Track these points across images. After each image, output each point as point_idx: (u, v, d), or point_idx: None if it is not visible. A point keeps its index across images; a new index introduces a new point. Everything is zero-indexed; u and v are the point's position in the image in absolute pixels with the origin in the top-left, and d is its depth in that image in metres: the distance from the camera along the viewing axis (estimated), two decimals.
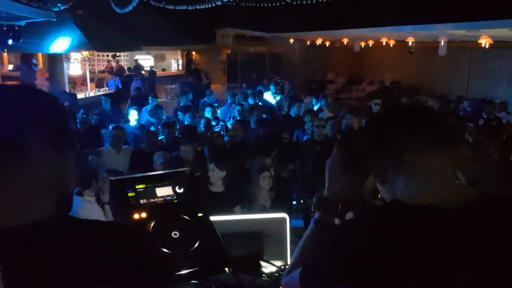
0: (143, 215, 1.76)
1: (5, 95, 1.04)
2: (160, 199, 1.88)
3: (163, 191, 1.90)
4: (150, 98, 10.18)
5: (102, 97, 9.92)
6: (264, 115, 7.97)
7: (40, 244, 0.92)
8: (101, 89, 14.11)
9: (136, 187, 1.87)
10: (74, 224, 1.04)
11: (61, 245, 0.94)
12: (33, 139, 0.99)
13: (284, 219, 2.30)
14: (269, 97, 11.31)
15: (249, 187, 4.99)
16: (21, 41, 10.48)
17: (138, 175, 1.95)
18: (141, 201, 1.84)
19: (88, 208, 4.21)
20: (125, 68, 18.11)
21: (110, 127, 7.10)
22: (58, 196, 1.04)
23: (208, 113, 8.58)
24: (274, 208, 4.70)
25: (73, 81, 14.27)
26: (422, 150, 1.17)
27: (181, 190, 1.90)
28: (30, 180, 0.99)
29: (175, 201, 1.90)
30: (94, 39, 12.89)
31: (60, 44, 12.17)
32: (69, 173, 1.09)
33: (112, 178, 1.92)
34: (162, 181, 1.93)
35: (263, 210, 4.60)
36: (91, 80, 14.74)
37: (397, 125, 1.23)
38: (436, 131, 1.20)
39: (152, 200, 1.86)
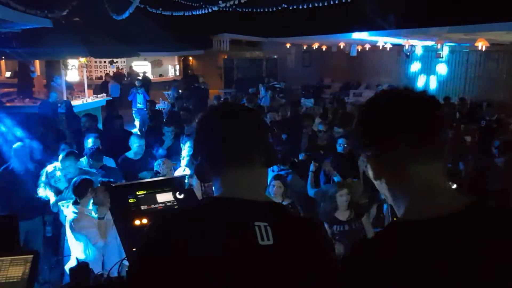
0: (144, 221, 1.77)
1: (238, 114, 1.36)
2: (160, 205, 1.88)
3: (164, 197, 1.91)
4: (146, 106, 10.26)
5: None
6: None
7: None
8: (99, 96, 14.10)
9: (137, 193, 1.87)
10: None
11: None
12: (255, 153, 1.31)
13: None
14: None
15: None
16: (18, 48, 10.47)
17: (139, 181, 1.95)
18: (142, 207, 1.85)
19: (81, 220, 4.17)
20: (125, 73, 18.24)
21: None
22: None
23: None
24: None
25: (71, 87, 14.23)
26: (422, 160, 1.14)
27: (182, 196, 1.90)
28: (254, 180, 1.33)
29: (176, 207, 1.90)
30: (91, 46, 12.89)
31: (57, 50, 12.16)
32: (266, 182, 1.42)
33: (113, 185, 1.92)
34: (162, 187, 1.94)
35: None
36: (89, 86, 14.72)
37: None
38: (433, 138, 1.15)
39: (152, 206, 1.86)
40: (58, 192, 4.81)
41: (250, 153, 1.31)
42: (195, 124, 1.44)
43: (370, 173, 1.24)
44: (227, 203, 1.27)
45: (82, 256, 4.03)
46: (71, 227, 4.17)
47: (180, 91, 14.79)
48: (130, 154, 6.06)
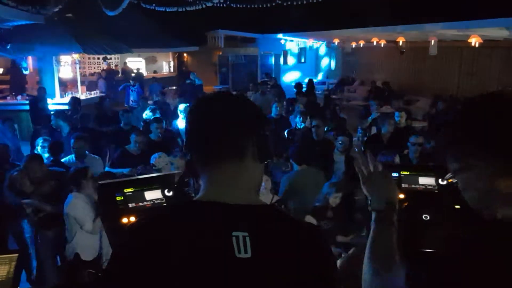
0: (132, 219, 1.74)
1: (231, 102, 1.24)
2: (149, 203, 1.85)
3: (152, 195, 1.88)
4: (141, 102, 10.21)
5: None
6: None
7: (264, 220, 1.17)
8: (92, 92, 14.03)
9: (125, 191, 1.84)
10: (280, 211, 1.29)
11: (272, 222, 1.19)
12: (247, 145, 1.19)
13: None
14: None
15: None
16: (9, 45, 10.38)
17: (127, 179, 1.92)
18: (130, 205, 1.82)
19: (73, 202, 4.21)
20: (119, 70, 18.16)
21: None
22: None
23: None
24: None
25: (64, 84, 14.15)
26: None
27: (170, 194, 1.88)
28: (245, 176, 1.20)
29: (164, 204, 1.87)
30: (84, 42, 12.81)
31: (50, 47, 12.08)
32: (260, 180, 1.29)
33: (100, 182, 1.89)
34: (151, 184, 1.91)
35: None
36: (82, 83, 14.64)
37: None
38: None
39: (140, 204, 1.83)
40: (23, 195, 4.56)
41: (241, 146, 1.18)
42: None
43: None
44: (205, 209, 1.15)
45: (77, 241, 4.11)
46: (64, 214, 4.19)
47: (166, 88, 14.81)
48: (129, 148, 6.00)
